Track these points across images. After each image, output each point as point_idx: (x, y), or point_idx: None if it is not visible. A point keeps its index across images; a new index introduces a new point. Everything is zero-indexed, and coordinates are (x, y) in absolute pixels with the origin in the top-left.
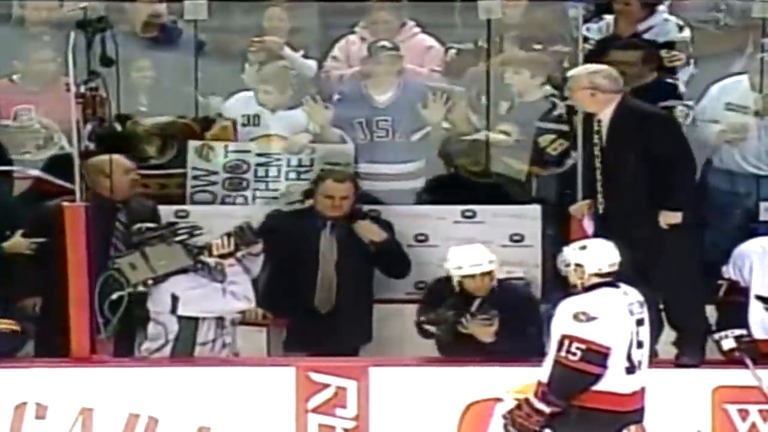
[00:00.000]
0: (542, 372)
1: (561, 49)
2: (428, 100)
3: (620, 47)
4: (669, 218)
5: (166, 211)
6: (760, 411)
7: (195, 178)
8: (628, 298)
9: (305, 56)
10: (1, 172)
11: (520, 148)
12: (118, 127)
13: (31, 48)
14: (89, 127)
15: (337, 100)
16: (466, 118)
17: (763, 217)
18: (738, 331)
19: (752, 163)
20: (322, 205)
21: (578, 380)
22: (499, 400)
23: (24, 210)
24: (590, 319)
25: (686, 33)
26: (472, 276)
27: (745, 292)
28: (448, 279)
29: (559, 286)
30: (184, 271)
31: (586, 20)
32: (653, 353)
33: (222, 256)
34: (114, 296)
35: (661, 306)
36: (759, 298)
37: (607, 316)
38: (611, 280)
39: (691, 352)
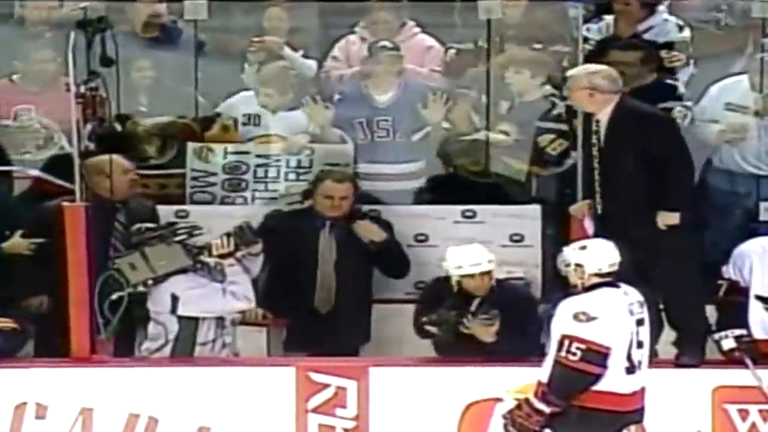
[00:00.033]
0: (542, 372)
1: (561, 49)
2: (428, 100)
3: (620, 48)
4: (667, 219)
5: (166, 211)
6: (760, 411)
7: (194, 179)
8: (629, 298)
9: (305, 56)
10: (0, 173)
11: (520, 148)
12: (118, 127)
13: (31, 48)
14: (89, 127)
15: (337, 100)
16: (467, 118)
17: (763, 217)
18: (738, 331)
19: (752, 163)
20: (322, 205)
21: (578, 380)
22: (499, 400)
23: (24, 210)
24: (590, 319)
25: (686, 33)
26: (472, 275)
27: (745, 292)
28: (445, 279)
29: (559, 286)
30: (183, 271)
31: (586, 20)
32: (653, 353)
33: (222, 256)
34: (114, 296)
35: (661, 306)
36: (759, 298)
37: (607, 316)
38: (611, 280)
39: (691, 352)
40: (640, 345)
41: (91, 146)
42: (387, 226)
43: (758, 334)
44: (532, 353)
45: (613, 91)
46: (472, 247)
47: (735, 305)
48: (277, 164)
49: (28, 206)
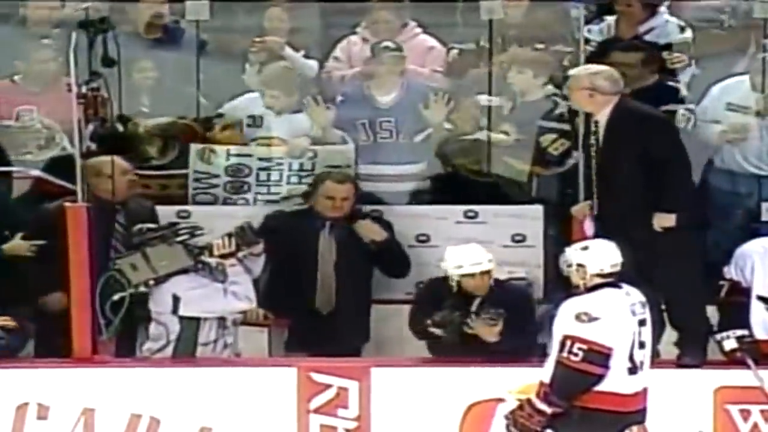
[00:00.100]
0: (544, 372)
1: (562, 49)
2: (430, 101)
3: (621, 49)
4: (663, 220)
5: (167, 212)
6: (762, 411)
7: (196, 180)
8: (630, 298)
9: (306, 56)
10: (0, 173)
11: (521, 148)
12: (120, 128)
13: (33, 48)
14: (91, 127)
15: (339, 102)
16: (471, 119)
17: (764, 217)
18: (740, 332)
19: (754, 163)
20: (323, 206)
21: (580, 381)
22: (501, 400)
23: (25, 211)
24: (592, 319)
25: (687, 34)
26: (472, 275)
27: (746, 292)
28: (443, 279)
29: (561, 286)
30: (185, 271)
31: (587, 21)
32: (655, 354)
33: (223, 256)
34: (115, 297)
35: (663, 306)
36: (760, 298)
37: (609, 317)
38: (613, 280)
39: (693, 353)
40: (642, 345)
41: (93, 147)
42: (387, 225)
43: (760, 334)
44: (531, 352)
45: (613, 92)
46: (470, 246)
47: (737, 306)
48: (279, 167)
49: (29, 207)
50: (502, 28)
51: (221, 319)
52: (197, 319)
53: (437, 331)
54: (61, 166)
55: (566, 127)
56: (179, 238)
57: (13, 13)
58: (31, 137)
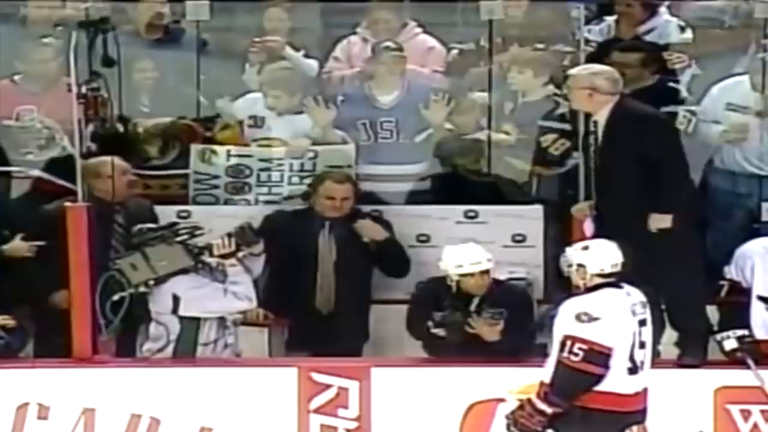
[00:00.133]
0: (545, 372)
1: (562, 49)
2: (430, 101)
3: (620, 49)
4: (657, 221)
5: (168, 212)
6: (762, 411)
7: (197, 181)
8: (631, 298)
9: (306, 56)
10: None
11: (522, 148)
12: (120, 128)
13: (33, 48)
14: (91, 127)
15: (340, 102)
16: (472, 119)
17: (765, 217)
18: (740, 332)
19: (754, 163)
20: (323, 206)
21: (580, 381)
22: (501, 400)
23: (25, 211)
24: (592, 319)
25: (688, 34)
26: (472, 274)
27: (746, 292)
28: (440, 280)
29: (561, 286)
30: (185, 271)
31: (587, 21)
32: (655, 353)
33: (223, 256)
34: (116, 297)
35: (663, 306)
36: (761, 298)
37: (610, 317)
38: (614, 280)
39: (693, 353)
40: (642, 345)
41: (93, 147)
42: (387, 225)
43: (760, 334)
44: (530, 352)
45: (612, 92)
46: (469, 245)
47: (737, 306)
48: (280, 168)
49: (29, 207)
50: (502, 28)
51: (221, 319)
52: (197, 319)
53: (439, 332)
54: (61, 166)
55: (567, 127)
56: (179, 238)
57: (13, 12)
58: (31, 137)
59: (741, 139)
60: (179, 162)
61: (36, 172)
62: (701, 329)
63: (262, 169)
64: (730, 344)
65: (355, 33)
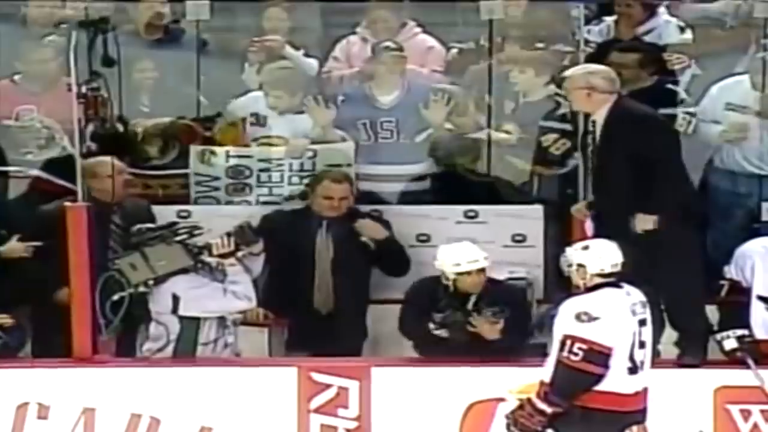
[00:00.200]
0: (544, 372)
1: (562, 49)
2: (429, 101)
3: (618, 49)
4: (642, 222)
5: (168, 212)
6: (762, 411)
7: (197, 183)
8: (631, 298)
9: (306, 56)
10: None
11: (523, 148)
12: (120, 128)
13: (33, 48)
14: (91, 127)
15: (341, 101)
16: (473, 120)
17: (765, 217)
18: (740, 332)
19: (754, 163)
20: (321, 205)
21: (580, 380)
22: (501, 400)
23: (22, 211)
24: (592, 319)
25: (687, 34)
26: (468, 273)
27: (746, 292)
28: (433, 280)
29: (561, 286)
30: (184, 271)
31: (587, 21)
32: (655, 353)
33: (222, 256)
34: (115, 297)
35: (663, 306)
36: (761, 298)
37: (610, 317)
38: (614, 280)
39: (693, 353)
40: (642, 345)
41: (93, 147)
42: (386, 225)
43: (760, 334)
44: (526, 349)
45: (610, 90)
46: (464, 244)
47: (737, 305)
48: (280, 168)
49: (27, 207)
50: (502, 27)
51: (221, 319)
52: (197, 319)
53: (441, 332)
54: (59, 166)
55: (568, 127)
56: (178, 238)
57: (13, 12)
58: (31, 137)
59: (741, 138)
60: (179, 162)
61: (35, 172)
62: (701, 329)
63: (261, 170)
64: (730, 344)
65: (354, 33)
